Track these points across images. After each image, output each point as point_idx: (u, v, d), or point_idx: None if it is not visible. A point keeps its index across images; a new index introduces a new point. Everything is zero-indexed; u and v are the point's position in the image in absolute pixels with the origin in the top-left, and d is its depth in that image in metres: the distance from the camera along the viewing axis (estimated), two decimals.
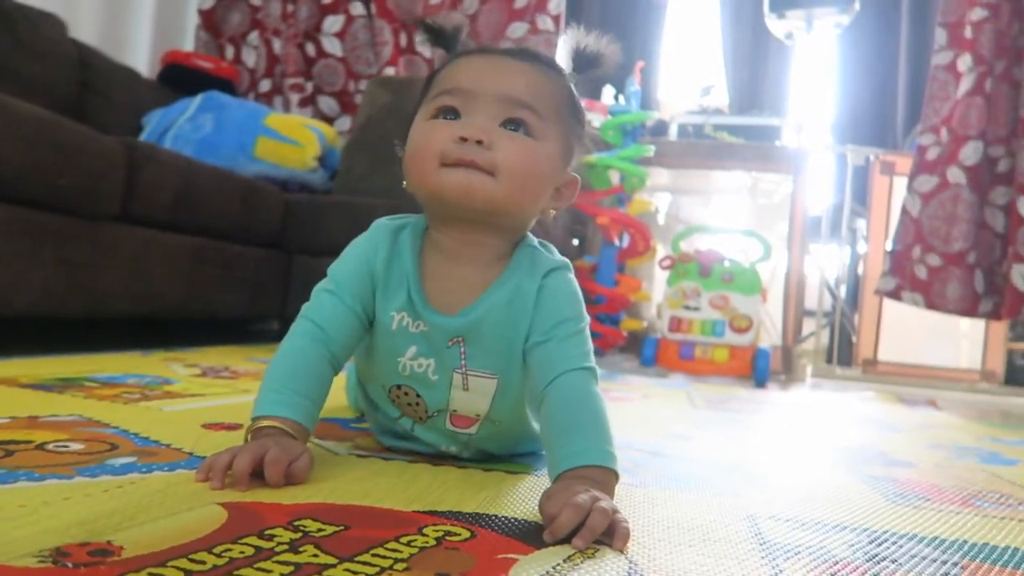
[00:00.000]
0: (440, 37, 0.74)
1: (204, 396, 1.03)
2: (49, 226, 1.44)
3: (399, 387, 0.73)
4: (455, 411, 0.73)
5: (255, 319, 2.38)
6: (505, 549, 0.50)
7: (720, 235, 3.06)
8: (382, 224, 0.73)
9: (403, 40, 3.15)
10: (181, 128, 2.57)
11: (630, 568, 0.49)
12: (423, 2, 3.18)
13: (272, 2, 3.21)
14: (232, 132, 2.57)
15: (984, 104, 2.83)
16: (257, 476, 0.60)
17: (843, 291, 3.49)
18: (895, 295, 2.94)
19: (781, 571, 0.51)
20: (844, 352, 3.53)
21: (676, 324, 2.57)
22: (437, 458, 0.76)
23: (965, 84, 2.86)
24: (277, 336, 2.27)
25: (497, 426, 0.74)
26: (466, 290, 0.70)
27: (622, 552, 0.52)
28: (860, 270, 3.70)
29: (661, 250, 3.14)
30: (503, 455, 0.80)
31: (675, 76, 4.16)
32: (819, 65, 4.16)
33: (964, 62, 2.87)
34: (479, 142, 0.64)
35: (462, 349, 0.70)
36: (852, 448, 1.13)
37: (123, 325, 1.81)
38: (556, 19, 3.13)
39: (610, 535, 0.53)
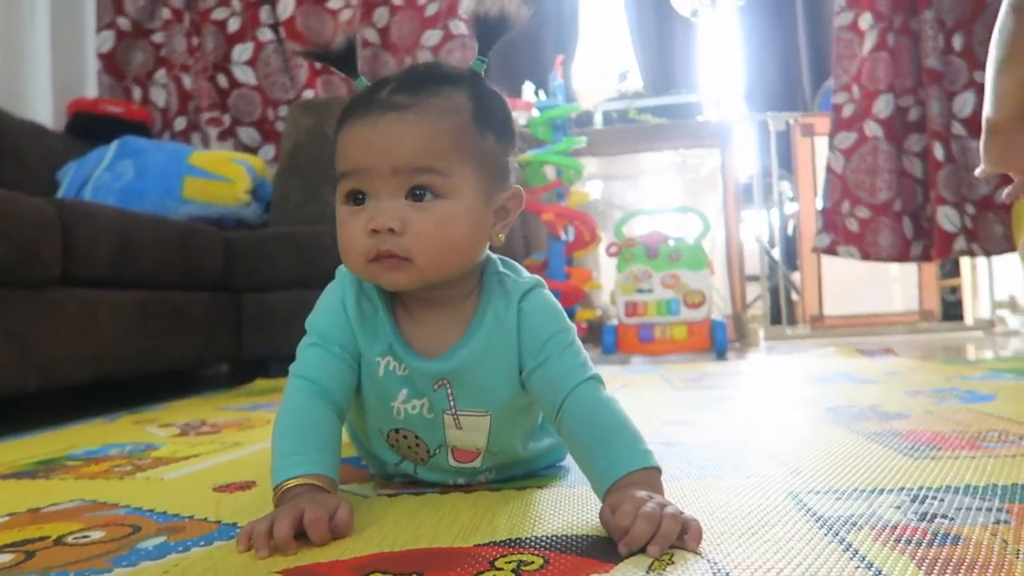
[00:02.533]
0: (334, 60, 0.71)
1: (198, 457, 0.99)
2: None
3: (397, 431, 0.72)
4: (455, 446, 0.72)
5: (205, 366, 2.30)
6: (585, 569, 0.50)
7: (658, 216, 3.11)
8: (344, 271, 0.72)
9: (318, 63, 3.09)
10: (100, 179, 2.46)
11: (713, 568, 0.49)
12: (332, 21, 3.13)
13: (175, 37, 3.10)
14: (155, 176, 2.48)
15: (889, 58, 2.95)
16: (300, 536, 0.58)
17: (777, 253, 3.60)
18: (831, 250, 3.05)
19: (851, 545, 0.52)
20: (786, 312, 3.65)
21: (632, 309, 2.60)
22: (467, 484, 0.75)
23: (869, 41, 2.98)
24: (231, 380, 2.22)
25: (499, 456, 0.74)
26: (443, 332, 0.69)
27: (696, 552, 0.52)
28: (789, 231, 3.83)
29: (603, 238, 3.18)
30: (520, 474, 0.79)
31: (588, 65, 4.21)
32: (724, 38, 4.28)
33: (865, 20, 2.99)
34: (391, 230, 0.63)
35: (449, 391, 0.69)
36: (840, 407, 1.17)
37: (75, 393, 1.72)
38: (468, 22, 3.12)
39: (682, 537, 0.53)
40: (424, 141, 0.63)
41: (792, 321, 3.63)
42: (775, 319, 3.45)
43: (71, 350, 1.53)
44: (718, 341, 2.43)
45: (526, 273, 0.73)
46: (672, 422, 1.08)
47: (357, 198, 0.64)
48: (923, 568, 0.47)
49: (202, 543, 0.60)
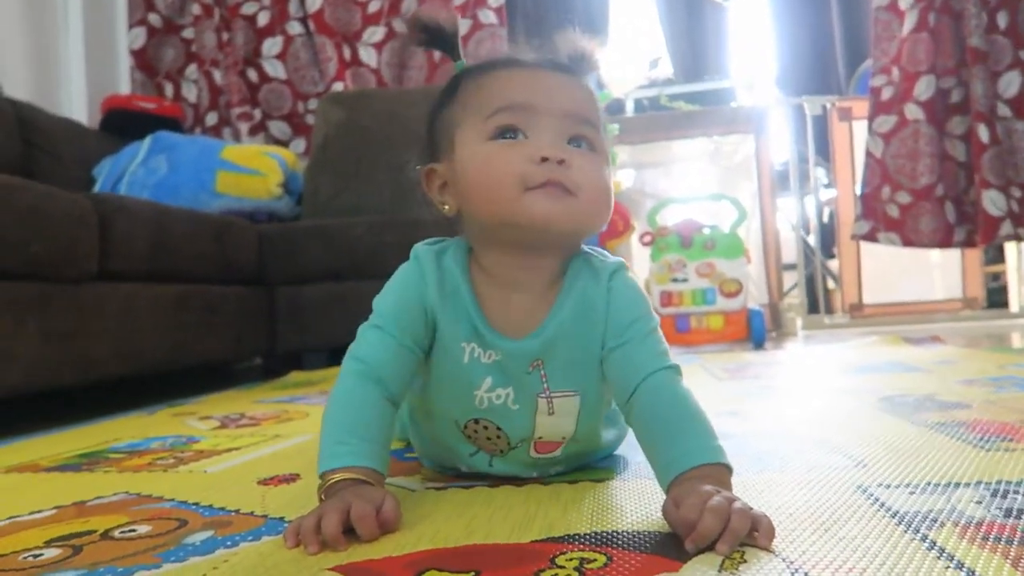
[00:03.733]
0: (438, 38, 0.70)
1: (240, 450, 0.98)
2: (28, 297, 1.36)
3: (476, 421, 0.69)
4: (540, 438, 0.69)
5: (240, 359, 2.31)
6: (652, 569, 0.47)
7: (692, 204, 3.06)
8: (423, 250, 0.69)
9: (347, 53, 3.09)
10: (135, 174, 2.48)
11: (790, 567, 0.46)
12: (360, 11, 3.11)
13: (206, 33, 3.11)
14: (189, 171, 2.49)
15: (930, 38, 2.87)
16: (348, 531, 0.56)
17: (813, 241, 3.53)
18: (871, 237, 2.98)
19: (935, 543, 0.49)
20: (823, 300, 3.58)
21: (667, 298, 2.56)
22: (539, 478, 0.73)
23: (909, 21, 2.89)
24: (264, 374, 2.22)
25: (579, 444, 0.71)
26: (528, 313, 0.67)
27: (769, 550, 0.49)
28: (825, 218, 3.75)
29: (636, 227, 3.14)
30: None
31: (618, 52, 4.15)
32: (755, 22, 4.20)
33: (904, 0, 2.91)
34: (560, 161, 0.61)
35: (543, 372, 0.66)
36: (894, 396, 1.13)
37: (111, 388, 1.73)
38: (498, 11, 3.09)
39: (752, 533, 0.50)
40: (589, 100, 0.65)
41: (829, 310, 3.56)
42: (812, 308, 3.38)
43: (108, 344, 1.54)
44: (756, 331, 2.39)
45: (610, 255, 0.70)
46: (720, 414, 1.05)
47: (508, 135, 0.63)
48: (1020, 569, 0.44)
49: (250, 538, 0.59)
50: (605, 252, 0.71)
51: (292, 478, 0.79)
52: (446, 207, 0.68)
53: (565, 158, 0.60)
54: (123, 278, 1.61)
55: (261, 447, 0.99)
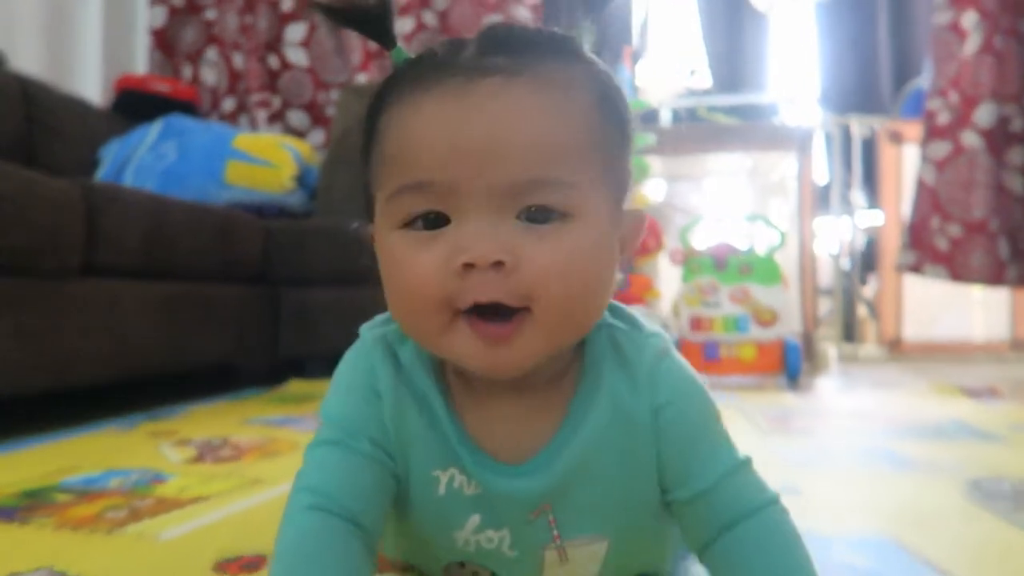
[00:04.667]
0: (360, 21, 0.47)
1: (208, 500, 0.83)
2: (0, 291, 1.23)
3: (462, 565, 0.51)
4: None
5: (239, 363, 2.18)
6: None
7: (727, 223, 2.89)
8: (371, 337, 0.49)
9: (372, 44, 2.94)
10: (142, 159, 2.35)
11: None
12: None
13: (228, 15, 2.98)
14: (199, 158, 2.36)
15: (994, 62, 2.68)
16: None
17: (845, 265, 3.35)
18: (916, 269, 2.79)
19: None
20: (852, 329, 3.40)
21: (696, 323, 2.40)
22: None
23: (972, 43, 2.71)
24: (266, 378, 2.09)
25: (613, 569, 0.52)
26: (529, 426, 0.47)
27: None
28: (861, 244, 3.57)
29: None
30: None
31: (655, 60, 3.99)
32: (799, 35, 4.03)
33: (968, 19, 2.72)
34: (497, 264, 0.40)
35: (551, 517, 0.47)
36: (983, 481, 0.96)
37: (94, 392, 1.60)
38: (534, 8, 2.94)
39: None
40: (546, 129, 0.41)
41: (858, 338, 3.38)
42: (848, 336, 3.21)
43: (88, 347, 1.40)
44: (791, 366, 2.22)
45: (639, 319, 0.49)
46: (779, 489, 0.89)
47: (429, 219, 0.42)
48: None
49: None
50: (632, 315, 0.49)
51: (255, 563, 0.64)
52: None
53: (503, 258, 0.40)
54: (111, 273, 1.48)
55: (234, 498, 0.84)
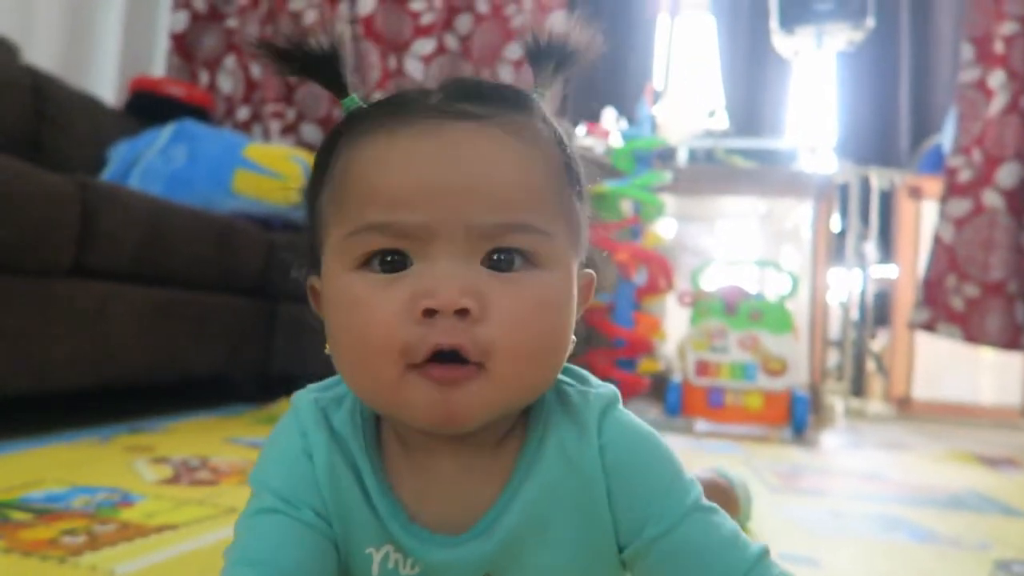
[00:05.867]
0: (307, 67, 0.44)
1: (175, 528, 0.76)
2: None
3: None
4: None
5: (230, 376, 2.11)
6: None
7: (737, 267, 2.84)
8: (306, 404, 0.46)
9: (392, 63, 2.92)
10: (150, 161, 2.31)
11: None
12: (412, 22, 2.96)
13: (250, 24, 2.97)
14: (207, 165, 2.31)
15: (1020, 123, 2.64)
16: None
17: (855, 317, 3.29)
18: (930, 327, 2.73)
19: None
20: (858, 383, 3.33)
21: (702, 368, 2.33)
22: None
23: (998, 102, 2.67)
24: (257, 396, 2.02)
25: None
26: (471, 490, 0.43)
27: None
28: (870, 296, 3.51)
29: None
30: None
31: (672, 99, 3.97)
32: (819, 84, 4.01)
33: (996, 78, 2.69)
34: (461, 312, 0.38)
35: None
36: (1011, 562, 0.89)
37: (75, 399, 1.54)
38: None
39: None
40: (521, 174, 0.40)
41: (866, 393, 3.31)
42: (855, 390, 3.13)
43: (72, 350, 1.34)
44: (798, 418, 2.15)
45: (590, 376, 0.47)
46: (792, 557, 0.82)
47: (388, 260, 0.39)
48: None
49: None
50: (576, 369, 0.47)
51: None
52: (327, 349, 0.44)
53: (469, 305, 0.37)
54: (102, 276, 1.42)
55: (204, 530, 0.78)
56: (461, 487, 0.43)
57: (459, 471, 0.43)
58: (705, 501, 0.44)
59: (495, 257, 0.39)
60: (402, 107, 0.41)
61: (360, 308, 0.39)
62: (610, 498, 0.43)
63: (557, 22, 0.46)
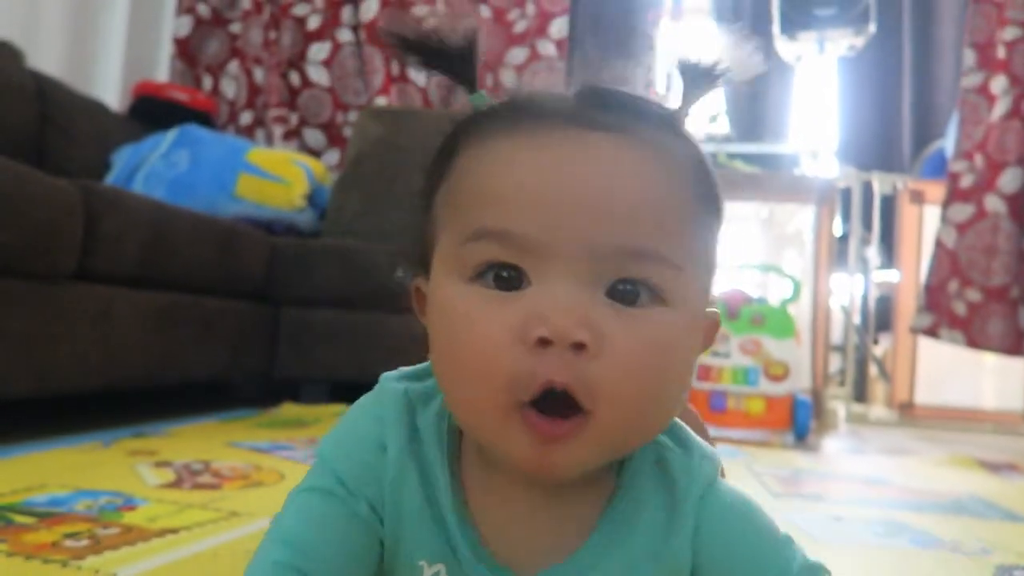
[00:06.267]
0: (441, 59, 0.42)
1: (177, 534, 0.77)
2: None
3: None
4: None
5: (233, 380, 2.11)
6: None
7: (739, 272, 2.84)
8: (392, 392, 0.43)
9: (395, 68, 2.93)
10: (154, 166, 2.32)
11: None
12: (415, 27, 2.96)
13: (253, 29, 2.98)
14: (210, 169, 2.32)
15: (1023, 128, 2.65)
16: None
17: (857, 322, 3.28)
18: (932, 332, 2.73)
19: None
20: (860, 388, 3.32)
21: (704, 372, 2.33)
22: None
23: (1000, 107, 2.67)
24: (259, 401, 2.02)
25: None
26: (545, 532, 0.40)
27: None
28: (872, 300, 3.51)
29: None
30: None
31: (675, 102, 3.97)
32: (821, 89, 4.02)
33: (998, 84, 2.69)
34: (577, 346, 0.34)
35: None
36: (1013, 568, 0.89)
37: (78, 402, 1.54)
38: (559, 44, 2.93)
39: None
40: (656, 196, 0.36)
41: (868, 399, 3.31)
42: (856, 397, 3.13)
43: (76, 354, 1.35)
44: (800, 423, 2.15)
45: (692, 438, 0.43)
46: None
47: (503, 275, 0.36)
48: None
49: None
50: (682, 428, 0.43)
51: None
52: (431, 358, 0.41)
53: (585, 339, 0.34)
54: (105, 280, 1.43)
55: (206, 533, 0.78)
56: (537, 524, 0.40)
57: (538, 507, 0.40)
58: (805, 562, 0.41)
59: (619, 287, 0.36)
60: (532, 110, 0.38)
61: (469, 324, 0.36)
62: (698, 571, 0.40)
63: (716, 39, 0.42)
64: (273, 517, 0.41)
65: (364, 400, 0.44)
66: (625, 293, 0.36)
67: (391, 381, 0.44)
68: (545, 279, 0.35)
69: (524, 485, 0.40)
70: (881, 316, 3.39)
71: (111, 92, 2.71)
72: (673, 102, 0.42)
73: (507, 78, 2.90)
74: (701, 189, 0.39)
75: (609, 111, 0.37)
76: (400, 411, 0.42)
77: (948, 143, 2.95)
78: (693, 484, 0.41)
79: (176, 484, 0.99)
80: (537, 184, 0.35)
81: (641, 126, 0.37)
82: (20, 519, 0.78)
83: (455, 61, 0.42)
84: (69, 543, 0.71)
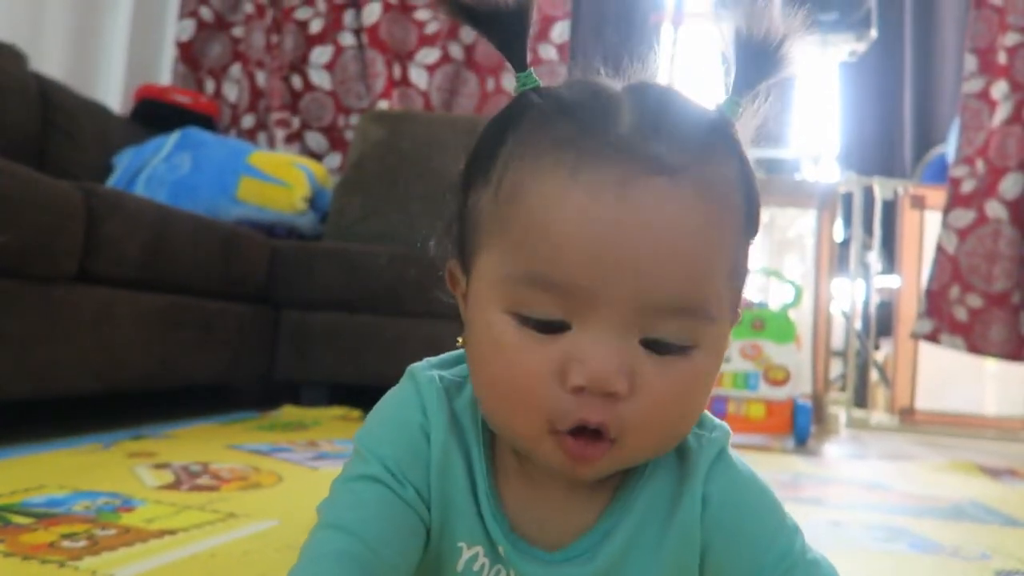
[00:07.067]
0: (491, 22, 0.40)
1: (175, 535, 0.77)
2: None
3: None
4: None
5: (233, 383, 2.12)
6: None
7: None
8: (426, 379, 0.43)
9: (396, 72, 2.94)
10: (156, 168, 2.32)
11: None
12: (417, 31, 2.97)
13: (255, 33, 2.99)
14: (212, 172, 2.33)
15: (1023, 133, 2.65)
16: None
17: (858, 327, 3.28)
18: (932, 338, 2.73)
19: None
20: (861, 394, 3.32)
21: None
22: None
23: (1001, 113, 2.67)
24: (259, 403, 2.02)
25: None
26: (569, 510, 0.42)
27: None
28: (873, 306, 3.50)
29: None
30: None
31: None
32: (822, 94, 4.02)
33: (999, 89, 2.69)
34: (610, 395, 0.36)
35: None
36: (1012, 574, 0.89)
37: (78, 404, 1.55)
38: (561, 48, 2.93)
39: None
40: (706, 251, 0.36)
41: (869, 404, 3.30)
42: (857, 403, 3.12)
43: (76, 356, 1.35)
44: (800, 428, 2.15)
45: (706, 415, 0.45)
46: None
47: (547, 321, 0.36)
48: None
49: None
50: (703, 413, 0.44)
51: None
52: (459, 343, 0.43)
53: (620, 390, 0.35)
54: (106, 282, 1.43)
55: (204, 535, 0.78)
56: (565, 504, 0.42)
57: (567, 489, 0.42)
58: (809, 553, 0.43)
59: (656, 340, 0.36)
60: (587, 130, 0.36)
61: (508, 358, 0.37)
62: (705, 551, 0.42)
63: (775, 15, 0.39)
64: (320, 506, 0.41)
65: (399, 389, 0.44)
66: (660, 344, 0.37)
67: (423, 370, 0.44)
68: (586, 326, 0.36)
69: (550, 476, 0.42)
70: (882, 321, 3.39)
71: (113, 95, 2.71)
72: (722, 91, 0.41)
73: (508, 84, 2.90)
74: (748, 211, 0.39)
75: (662, 137, 0.36)
76: (440, 398, 0.42)
77: (949, 148, 2.95)
78: (703, 452, 0.42)
79: (175, 486, 0.99)
80: (590, 237, 0.35)
81: (694, 158, 0.36)
82: (18, 519, 0.78)
83: (506, 26, 0.40)
84: (67, 544, 0.71)
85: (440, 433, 0.42)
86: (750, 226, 0.40)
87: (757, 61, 0.40)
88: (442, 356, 0.46)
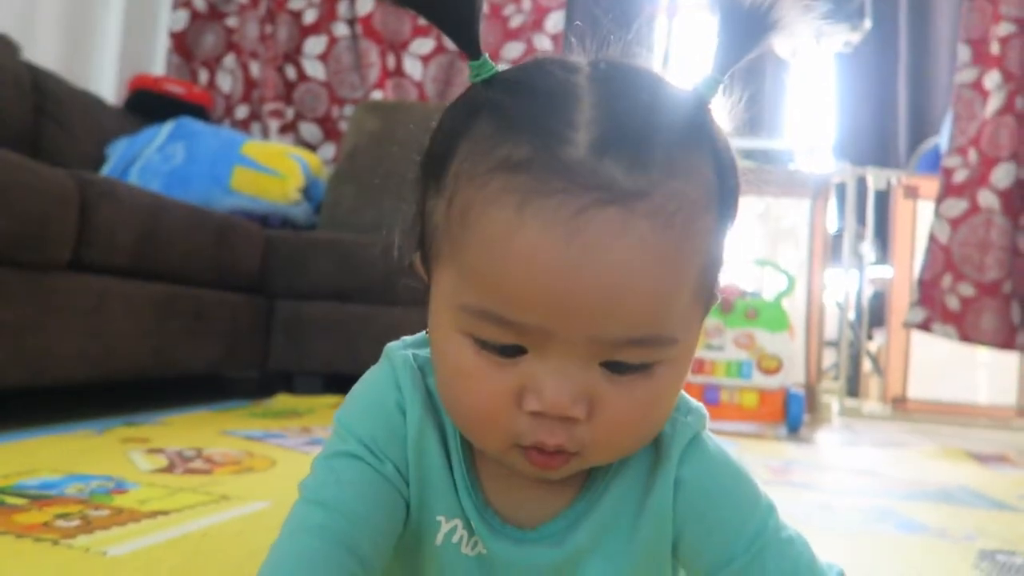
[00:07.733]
0: (437, 6, 0.37)
1: (168, 515, 0.78)
2: None
3: None
4: None
5: (227, 372, 2.12)
6: None
7: (734, 266, 2.85)
8: (400, 358, 0.43)
9: (391, 62, 2.94)
10: (149, 159, 2.32)
11: None
12: (411, 21, 2.97)
13: (249, 23, 2.98)
14: (206, 162, 2.33)
15: (1015, 123, 2.65)
16: None
17: (851, 317, 3.30)
18: (925, 327, 2.74)
19: None
20: (853, 383, 3.33)
21: (698, 365, 2.33)
22: None
23: (994, 103, 2.68)
24: (253, 392, 2.03)
25: None
26: (544, 494, 0.42)
27: None
28: (866, 295, 3.52)
29: None
30: None
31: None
32: (817, 84, 4.03)
33: (991, 79, 2.70)
34: (567, 419, 0.36)
35: None
36: (995, 552, 0.90)
37: (71, 392, 1.55)
38: (555, 38, 2.93)
39: None
40: (664, 284, 0.34)
41: (861, 393, 3.32)
42: (849, 392, 3.14)
43: (69, 345, 1.35)
44: (792, 416, 2.16)
45: (683, 397, 0.43)
46: None
47: (506, 350, 0.36)
48: None
49: None
50: (681, 395, 0.43)
51: None
52: (427, 331, 0.42)
53: (577, 415, 0.35)
54: (100, 270, 1.44)
55: (197, 515, 0.79)
56: (538, 485, 0.42)
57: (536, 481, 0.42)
58: (783, 531, 0.42)
59: (613, 364, 0.36)
60: (538, 149, 0.33)
61: (468, 384, 0.37)
62: (678, 536, 0.42)
63: None
64: (302, 484, 0.42)
65: (376, 369, 0.44)
66: (620, 367, 0.36)
67: (397, 349, 0.44)
68: (543, 355, 0.35)
69: None
70: (875, 311, 3.41)
71: (107, 85, 2.71)
72: (704, 65, 0.38)
73: None
74: (725, 200, 0.37)
75: (622, 155, 0.33)
76: (412, 375, 0.42)
77: (943, 139, 2.96)
78: (677, 437, 0.42)
79: (168, 469, 1.00)
80: (540, 282, 0.33)
81: (659, 177, 0.34)
82: (12, 500, 0.78)
83: (452, 9, 0.37)
84: (60, 523, 0.72)
85: (415, 410, 0.42)
86: (728, 215, 0.38)
87: (745, 25, 0.37)
88: (417, 335, 0.46)
